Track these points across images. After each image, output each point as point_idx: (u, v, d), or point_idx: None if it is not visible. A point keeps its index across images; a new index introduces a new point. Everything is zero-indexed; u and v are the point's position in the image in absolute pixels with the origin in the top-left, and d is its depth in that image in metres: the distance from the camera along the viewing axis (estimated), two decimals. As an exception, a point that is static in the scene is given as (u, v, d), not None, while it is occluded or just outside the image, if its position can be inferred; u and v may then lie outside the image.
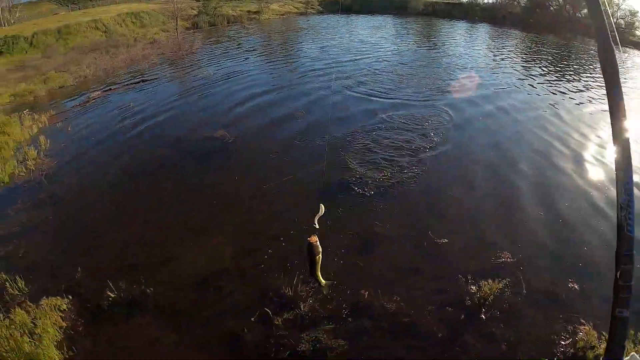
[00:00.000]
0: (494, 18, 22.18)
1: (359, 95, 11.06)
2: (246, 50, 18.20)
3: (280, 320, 4.33)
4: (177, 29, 23.39)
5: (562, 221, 5.91)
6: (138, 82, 14.04)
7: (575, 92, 11.30)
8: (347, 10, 28.00)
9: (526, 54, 14.99)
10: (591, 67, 13.99)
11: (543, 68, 12.98)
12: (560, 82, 11.88)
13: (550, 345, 4.07)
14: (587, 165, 7.48)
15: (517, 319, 4.37)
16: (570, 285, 4.77)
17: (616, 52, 1.51)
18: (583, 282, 4.78)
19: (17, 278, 5.34)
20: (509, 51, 15.69)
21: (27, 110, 11.95)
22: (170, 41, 21.24)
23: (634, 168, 1.50)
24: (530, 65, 13.39)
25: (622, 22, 21.58)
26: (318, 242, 2.43)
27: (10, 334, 4.18)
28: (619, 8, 21.61)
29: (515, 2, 23.99)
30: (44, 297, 4.95)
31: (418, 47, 17.09)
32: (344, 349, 4.05)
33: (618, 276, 1.42)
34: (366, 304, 4.53)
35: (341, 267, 5.10)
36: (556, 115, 9.57)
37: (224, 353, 4.15)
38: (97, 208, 6.88)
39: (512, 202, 6.36)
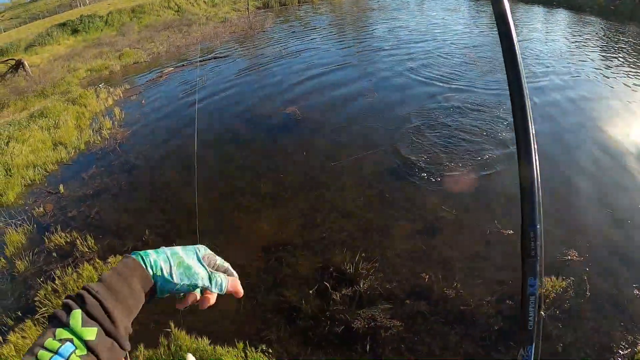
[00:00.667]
0: (572, 3, 20.90)
1: (424, 79, 10.83)
2: (314, 30, 18.18)
3: (338, 296, 4.39)
4: (248, 8, 23.73)
5: (630, 223, 5.59)
6: (210, 59, 14.40)
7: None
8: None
9: (604, 44, 14.09)
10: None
11: (620, 59, 12.16)
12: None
13: (607, 353, 3.87)
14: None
15: (576, 321, 4.19)
16: (635, 292, 4.50)
17: None
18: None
19: (88, 237, 5.73)
20: (586, 39, 14.80)
21: (102, 84, 12.63)
22: (242, 20, 21.60)
23: None
24: (608, 55, 12.59)
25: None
26: None
27: (77, 287, 4.49)
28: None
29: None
30: (111, 255, 5.30)
31: (491, 30, 16.39)
32: (399, 330, 4.06)
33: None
34: (425, 288, 4.50)
35: (404, 249, 5.10)
36: (628, 110, 8.96)
37: (280, 321, 4.27)
38: (167, 175, 7.21)
39: (578, 198, 6.07)
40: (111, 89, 11.80)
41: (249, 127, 8.87)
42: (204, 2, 26.95)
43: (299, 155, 7.43)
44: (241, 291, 0.98)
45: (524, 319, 1.20)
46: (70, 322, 0.70)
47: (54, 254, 5.63)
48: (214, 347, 3.95)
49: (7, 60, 17.33)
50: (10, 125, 9.77)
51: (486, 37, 14.94)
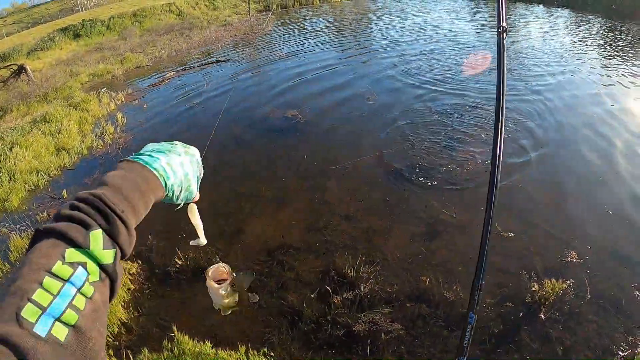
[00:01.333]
0: (572, 2, 20.83)
1: (423, 83, 10.84)
2: (315, 32, 18.25)
3: (339, 300, 4.42)
4: (249, 11, 23.80)
5: (629, 223, 5.60)
6: (211, 63, 14.47)
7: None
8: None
9: (604, 43, 14.07)
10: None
11: (618, 57, 12.13)
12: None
13: (607, 355, 3.88)
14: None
15: (576, 323, 4.21)
16: (636, 293, 4.52)
17: None
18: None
19: (93, 241, 5.75)
20: (584, 38, 14.78)
21: (104, 88, 12.69)
22: (243, 23, 21.68)
23: None
24: (606, 55, 12.56)
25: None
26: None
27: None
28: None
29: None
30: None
31: (492, 33, 16.36)
32: (399, 334, 4.09)
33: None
34: (425, 291, 4.53)
35: (405, 252, 5.14)
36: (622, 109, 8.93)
37: (282, 324, 4.30)
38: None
39: (577, 200, 6.09)
40: (113, 94, 11.85)
41: (250, 130, 8.90)
42: (205, 5, 27.04)
43: (300, 159, 7.46)
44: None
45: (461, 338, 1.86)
46: (91, 245, 0.62)
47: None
48: (216, 351, 3.99)
49: (10, 65, 17.43)
50: (13, 130, 9.84)
51: (487, 40, 14.94)
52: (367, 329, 4.12)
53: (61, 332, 0.54)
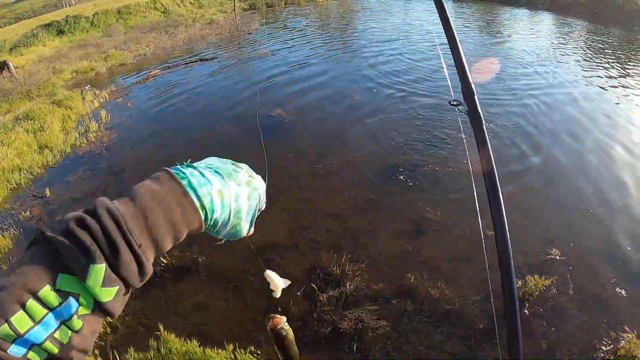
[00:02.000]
0: (557, 6, 21.05)
1: (408, 81, 10.91)
2: (299, 30, 18.23)
3: (325, 297, 4.44)
4: (234, 9, 23.65)
5: (610, 220, 5.71)
6: (196, 61, 14.36)
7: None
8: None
9: (588, 48, 14.28)
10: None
11: (604, 64, 12.32)
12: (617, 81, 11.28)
13: (590, 350, 3.98)
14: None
15: (559, 319, 4.29)
16: (617, 290, 4.62)
17: None
18: (631, 289, 4.62)
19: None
20: (565, 42, 15.00)
21: (88, 85, 12.53)
22: (228, 22, 21.52)
23: None
24: (590, 61, 12.75)
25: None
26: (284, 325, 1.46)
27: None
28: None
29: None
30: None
31: (477, 35, 16.46)
32: (385, 330, 4.13)
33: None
34: (410, 288, 4.58)
35: (390, 250, 5.19)
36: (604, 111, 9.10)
37: (268, 322, 4.31)
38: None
39: (559, 198, 6.19)
40: (97, 91, 11.69)
41: (234, 129, 8.88)
42: (191, 3, 26.78)
43: (286, 158, 7.46)
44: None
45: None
46: (88, 280, 0.53)
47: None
48: (203, 350, 3.98)
49: (-9, 61, 17.11)
50: (-5, 128, 9.68)
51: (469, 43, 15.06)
52: (354, 326, 4.15)
53: (37, 359, 0.50)
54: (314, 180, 6.76)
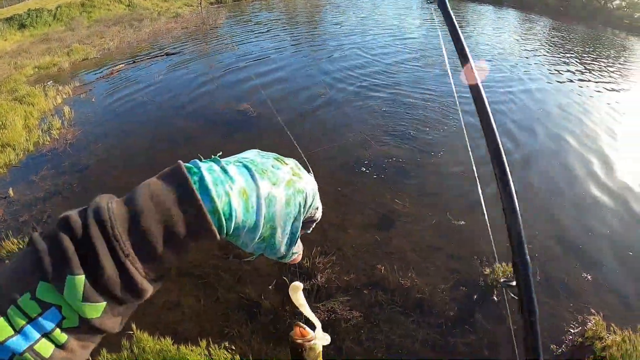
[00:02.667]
0: (522, 3, 21.48)
1: (376, 74, 11.04)
2: (265, 25, 18.12)
3: (297, 290, 4.46)
4: (200, 3, 23.30)
5: (575, 211, 5.92)
6: (162, 55, 14.10)
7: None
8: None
9: (552, 45, 14.68)
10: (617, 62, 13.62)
11: (570, 62, 12.70)
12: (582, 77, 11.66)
13: (559, 333, 4.14)
14: (601, 157, 7.38)
15: (527, 303, 4.43)
16: (583, 275, 4.81)
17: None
18: (596, 273, 4.83)
19: (43, 241, 5.54)
20: (533, 39, 15.38)
21: (51, 81, 12.16)
22: (194, 16, 21.19)
23: None
24: (556, 58, 13.13)
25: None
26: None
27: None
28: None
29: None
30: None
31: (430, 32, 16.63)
32: (358, 321, 4.20)
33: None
34: (381, 279, 4.65)
35: (359, 242, 5.24)
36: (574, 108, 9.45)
37: (241, 317, 4.31)
38: (119, 176, 7.04)
39: (525, 190, 6.36)
40: (60, 87, 11.34)
41: (202, 125, 8.79)
42: (156, -5, 26.25)
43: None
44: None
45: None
46: (65, 293, 0.45)
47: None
48: (177, 347, 3.95)
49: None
50: (-48, 126, 9.30)
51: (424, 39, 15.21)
52: (327, 318, 4.19)
53: None
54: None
